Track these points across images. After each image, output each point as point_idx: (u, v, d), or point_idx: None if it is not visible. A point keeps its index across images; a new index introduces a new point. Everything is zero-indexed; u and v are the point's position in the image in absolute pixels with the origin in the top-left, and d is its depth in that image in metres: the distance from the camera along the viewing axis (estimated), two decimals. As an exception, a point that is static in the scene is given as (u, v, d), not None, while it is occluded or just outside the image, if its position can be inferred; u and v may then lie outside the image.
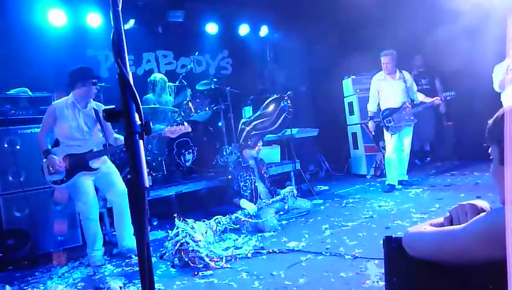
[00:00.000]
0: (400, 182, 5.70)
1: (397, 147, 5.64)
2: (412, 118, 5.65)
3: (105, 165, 3.89)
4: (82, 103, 3.76)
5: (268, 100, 5.25)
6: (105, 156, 3.90)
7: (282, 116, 5.19)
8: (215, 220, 3.95)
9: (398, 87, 5.65)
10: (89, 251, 3.80)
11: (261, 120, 5.13)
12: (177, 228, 3.51)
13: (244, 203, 4.53)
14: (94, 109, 3.80)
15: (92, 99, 3.85)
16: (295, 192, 4.86)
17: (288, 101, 5.30)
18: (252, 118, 5.34)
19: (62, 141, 3.74)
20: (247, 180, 4.77)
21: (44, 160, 3.65)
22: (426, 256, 1.16)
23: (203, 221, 3.83)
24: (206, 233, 3.60)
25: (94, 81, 3.75)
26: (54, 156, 3.62)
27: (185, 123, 4.06)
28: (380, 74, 5.77)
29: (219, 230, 3.93)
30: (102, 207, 4.53)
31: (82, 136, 3.72)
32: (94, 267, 3.70)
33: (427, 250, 1.16)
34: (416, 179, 6.03)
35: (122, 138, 3.79)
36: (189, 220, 3.63)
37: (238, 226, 4.27)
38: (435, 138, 7.48)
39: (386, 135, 5.69)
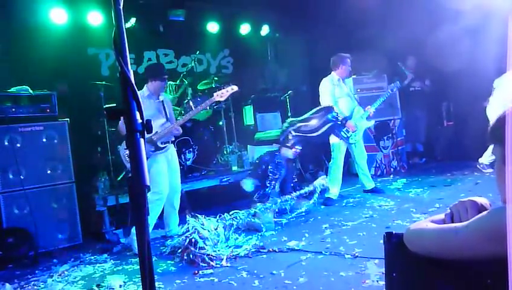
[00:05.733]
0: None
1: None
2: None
3: (171, 149, 4.33)
4: (155, 94, 4.23)
5: (318, 108, 5.19)
6: (172, 144, 4.36)
7: (327, 126, 5.10)
8: (232, 214, 3.94)
9: (347, 93, 5.31)
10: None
11: (305, 123, 5.11)
12: (188, 224, 3.53)
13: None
14: (162, 100, 4.30)
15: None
16: (327, 182, 4.84)
17: (338, 115, 5.17)
18: (299, 119, 5.31)
19: None
20: (273, 176, 4.80)
21: None
22: (427, 252, 1.17)
23: (220, 215, 3.86)
24: (216, 229, 3.60)
25: (165, 77, 4.25)
26: None
27: (232, 85, 4.38)
28: (334, 78, 5.26)
29: (236, 224, 3.93)
30: (102, 206, 4.55)
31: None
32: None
33: (428, 246, 1.17)
34: (416, 179, 6.03)
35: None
36: (200, 216, 3.64)
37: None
38: (435, 138, 7.49)
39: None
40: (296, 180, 5.17)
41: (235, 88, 4.35)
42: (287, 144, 4.97)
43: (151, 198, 3.91)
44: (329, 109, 5.05)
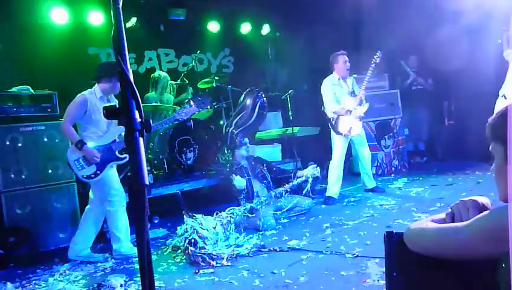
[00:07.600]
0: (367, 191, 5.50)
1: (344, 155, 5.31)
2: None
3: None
4: (107, 96, 3.82)
5: (242, 96, 5.36)
6: None
7: (257, 108, 5.23)
8: (228, 211, 3.94)
9: (349, 92, 5.24)
10: (125, 242, 3.79)
11: (239, 116, 5.18)
12: (186, 225, 3.53)
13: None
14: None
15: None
16: (318, 171, 4.81)
17: (262, 94, 5.34)
18: (232, 117, 5.38)
19: (85, 134, 3.69)
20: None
21: (78, 152, 3.58)
22: (428, 252, 1.17)
23: (216, 213, 3.84)
24: (215, 228, 3.60)
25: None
26: (90, 147, 3.59)
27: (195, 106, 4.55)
28: (334, 78, 5.24)
29: (233, 222, 3.93)
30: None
31: (107, 128, 3.77)
32: (125, 256, 3.74)
33: (429, 246, 1.17)
34: (417, 178, 6.02)
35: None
36: (198, 216, 3.64)
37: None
38: (436, 138, 7.48)
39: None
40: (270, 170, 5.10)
41: (197, 110, 4.54)
42: (235, 144, 4.96)
43: (120, 207, 3.75)
44: (252, 92, 5.16)
